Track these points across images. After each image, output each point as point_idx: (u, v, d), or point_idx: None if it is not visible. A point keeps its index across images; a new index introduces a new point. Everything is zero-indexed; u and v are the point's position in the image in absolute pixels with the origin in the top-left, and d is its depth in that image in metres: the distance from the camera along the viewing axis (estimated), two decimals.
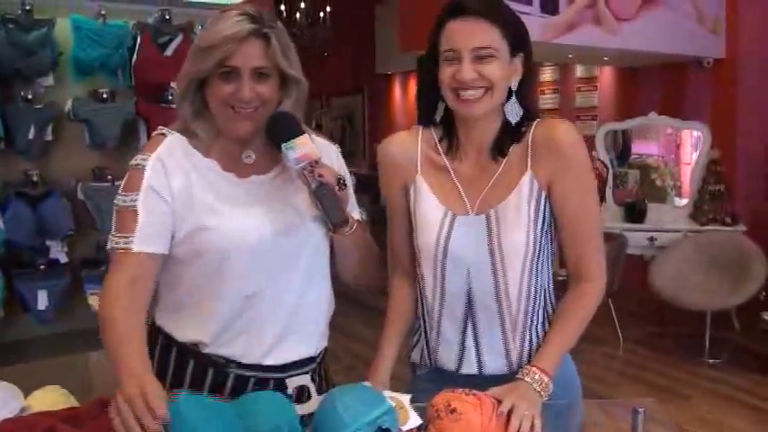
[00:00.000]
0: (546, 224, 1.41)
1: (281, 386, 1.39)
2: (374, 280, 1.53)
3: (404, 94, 9.84)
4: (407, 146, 1.48)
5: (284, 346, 1.39)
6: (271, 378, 1.38)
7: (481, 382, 1.36)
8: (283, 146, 1.30)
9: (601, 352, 4.76)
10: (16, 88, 2.88)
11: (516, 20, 1.39)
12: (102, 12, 2.96)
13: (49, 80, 2.93)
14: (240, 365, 1.37)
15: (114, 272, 1.30)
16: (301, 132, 1.32)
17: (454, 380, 1.40)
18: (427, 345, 1.50)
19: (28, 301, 2.95)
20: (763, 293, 4.56)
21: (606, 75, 6.76)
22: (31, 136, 2.88)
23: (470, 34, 1.32)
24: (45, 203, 2.91)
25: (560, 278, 1.50)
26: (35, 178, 2.90)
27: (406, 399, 1.23)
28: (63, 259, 3.00)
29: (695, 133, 5.70)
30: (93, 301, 2.91)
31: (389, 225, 1.54)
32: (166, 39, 3.06)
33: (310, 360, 1.44)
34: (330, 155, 1.45)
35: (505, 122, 1.41)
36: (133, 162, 1.36)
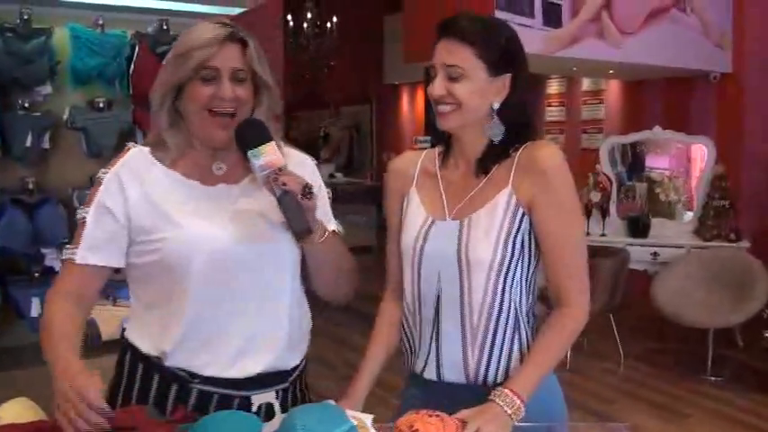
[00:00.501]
0: (521, 242, 1.40)
1: (245, 403, 1.37)
2: (350, 291, 1.52)
3: (411, 105, 9.86)
4: (409, 162, 1.56)
5: (248, 358, 1.37)
6: (236, 396, 1.36)
7: (441, 388, 1.42)
8: (249, 153, 1.30)
9: (601, 367, 4.72)
10: (14, 96, 2.89)
11: (504, 39, 1.40)
12: (101, 21, 2.98)
13: (47, 89, 2.94)
14: (203, 380, 1.35)
15: (59, 280, 1.38)
16: (269, 140, 1.31)
17: (424, 385, 1.45)
18: (405, 348, 1.53)
19: (22, 308, 2.95)
20: (766, 311, 4.51)
21: (613, 88, 6.74)
22: (28, 143, 2.89)
23: (443, 53, 1.39)
24: (41, 211, 2.91)
25: None
26: (31, 186, 2.91)
27: (368, 418, 1.22)
28: (58, 267, 3.01)
29: (704, 147, 5.66)
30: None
31: (387, 239, 1.57)
32: (165, 48, 3.07)
33: (281, 375, 1.41)
34: (305, 168, 1.45)
35: (493, 141, 1.43)
36: (97, 175, 1.39)
